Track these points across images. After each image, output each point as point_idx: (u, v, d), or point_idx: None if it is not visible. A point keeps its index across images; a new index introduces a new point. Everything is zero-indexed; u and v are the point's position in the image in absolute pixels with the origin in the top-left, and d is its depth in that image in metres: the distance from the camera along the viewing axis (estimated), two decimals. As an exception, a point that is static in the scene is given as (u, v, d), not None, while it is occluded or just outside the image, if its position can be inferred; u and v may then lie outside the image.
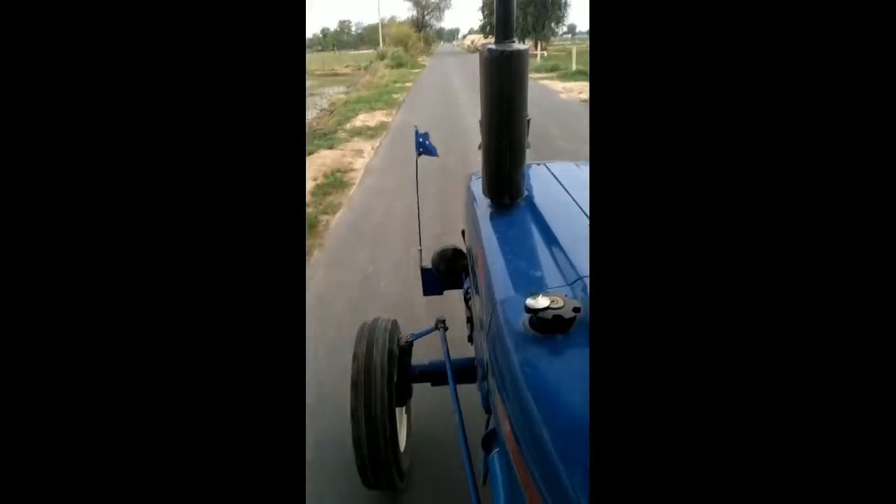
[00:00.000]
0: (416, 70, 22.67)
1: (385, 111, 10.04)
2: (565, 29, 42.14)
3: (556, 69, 17.35)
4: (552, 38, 42.39)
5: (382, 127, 8.05)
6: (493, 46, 1.04)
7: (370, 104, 10.80)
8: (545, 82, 14.70)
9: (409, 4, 50.56)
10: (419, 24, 46.67)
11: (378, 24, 42.22)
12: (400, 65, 23.49)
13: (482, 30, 44.35)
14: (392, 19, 48.06)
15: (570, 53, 27.21)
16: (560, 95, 11.34)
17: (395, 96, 12.45)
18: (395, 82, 16.31)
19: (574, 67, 16.25)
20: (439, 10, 49.94)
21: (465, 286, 1.56)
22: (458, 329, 1.73)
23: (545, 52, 34.27)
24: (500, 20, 1.05)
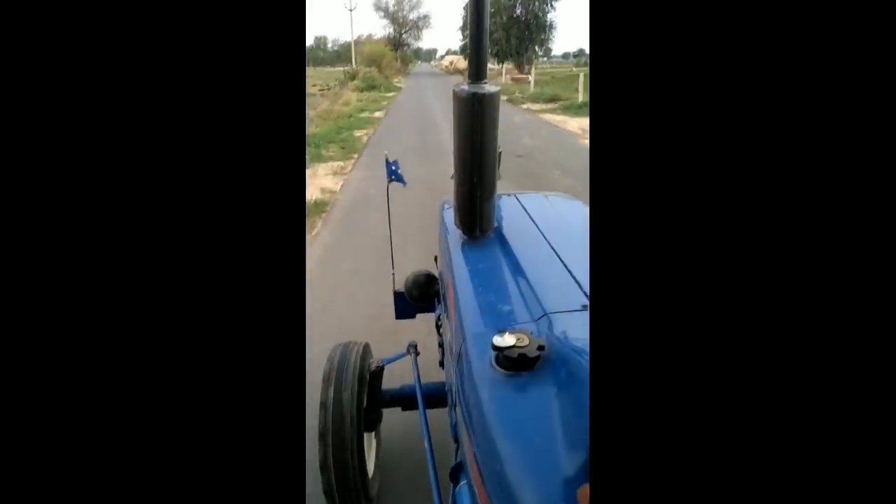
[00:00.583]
0: (391, 94, 19.64)
1: (337, 163, 6.82)
2: (541, 52, 39.83)
3: (557, 99, 14.49)
4: (535, 62, 40.15)
5: (319, 207, 4.69)
6: (465, 87, 1.07)
7: (318, 148, 7.58)
8: (549, 117, 11.70)
9: (386, 22, 47.54)
10: (396, 43, 43.83)
11: (351, 41, 39.00)
12: (372, 87, 20.42)
13: (462, 50, 41.84)
14: (369, 37, 44.85)
15: (557, 79, 24.90)
16: (579, 140, 8.36)
17: (357, 134, 9.29)
18: (361, 111, 13.19)
19: (581, 98, 13.38)
20: (417, 28, 46.59)
21: (437, 312, 1.54)
22: (431, 351, 1.66)
23: (531, 78, 32.02)
24: (472, 62, 1.07)
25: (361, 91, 18.73)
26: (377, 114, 13.01)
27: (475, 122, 1.06)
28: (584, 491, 0.45)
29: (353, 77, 21.93)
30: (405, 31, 45.82)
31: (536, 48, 40.30)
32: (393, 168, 1.53)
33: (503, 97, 0.95)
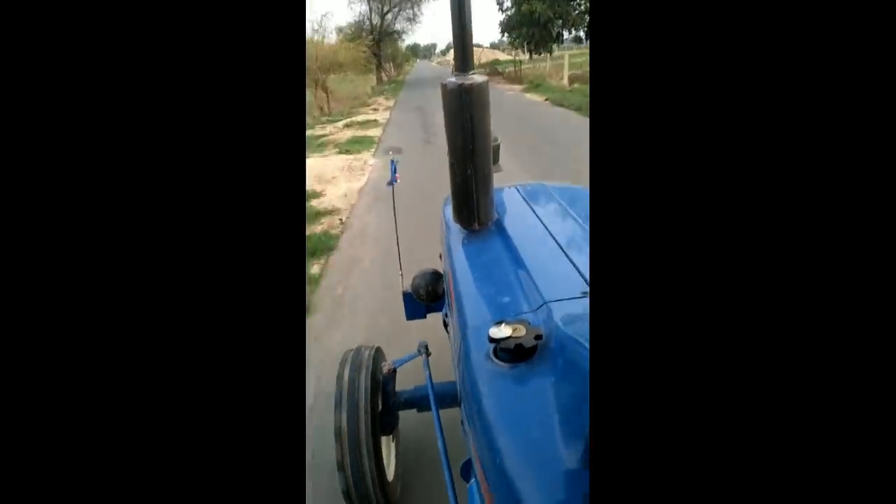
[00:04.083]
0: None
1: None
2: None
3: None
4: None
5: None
6: (453, 79, 1.09)
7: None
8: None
9: (361, 7, 28.66)
10: (377, 34, 25.80)
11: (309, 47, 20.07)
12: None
13: (507, 32, 23.65)
14: (343, 33, 26.17)
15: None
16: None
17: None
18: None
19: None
20: (412, 4, 27.41)
21: (444, 310, 1.52)
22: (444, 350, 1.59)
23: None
24: (458, 54, 1.10)
25: None
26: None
27: (465, 113, 1.09)
28: None
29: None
30: (389, 10, 27.12)
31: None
32: (393, 168, 1.57)
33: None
